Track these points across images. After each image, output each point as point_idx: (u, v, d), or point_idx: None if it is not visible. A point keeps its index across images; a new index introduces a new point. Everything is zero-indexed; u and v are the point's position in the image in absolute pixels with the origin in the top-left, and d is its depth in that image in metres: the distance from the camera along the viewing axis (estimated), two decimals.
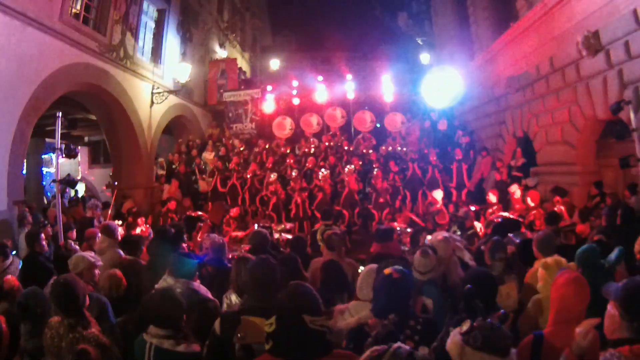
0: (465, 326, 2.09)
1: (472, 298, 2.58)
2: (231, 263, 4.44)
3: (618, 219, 5.62)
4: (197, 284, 3.83)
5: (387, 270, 2.94)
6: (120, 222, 8.74)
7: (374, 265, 3.49)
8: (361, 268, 4.11)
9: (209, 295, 3.83)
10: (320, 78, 18.23)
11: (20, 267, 5.76)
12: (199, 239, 8.00)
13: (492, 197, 10.06)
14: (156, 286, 3.77)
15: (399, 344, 1.86)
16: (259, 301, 2.80)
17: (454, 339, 2.11)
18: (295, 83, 18.59)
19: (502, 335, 2.03)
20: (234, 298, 3.80)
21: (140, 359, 2.84)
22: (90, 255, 4.15)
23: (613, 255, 3.89)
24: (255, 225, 9.61)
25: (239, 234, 9.13)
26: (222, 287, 4.15)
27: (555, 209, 8.29)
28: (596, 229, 4.51)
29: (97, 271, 4.07)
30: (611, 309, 2.27)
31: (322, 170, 12.37)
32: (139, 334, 2.97)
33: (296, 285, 2.35)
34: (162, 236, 5.46)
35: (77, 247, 6.85)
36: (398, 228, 8.23)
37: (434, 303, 3.65)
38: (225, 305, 3.84)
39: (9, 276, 4.93)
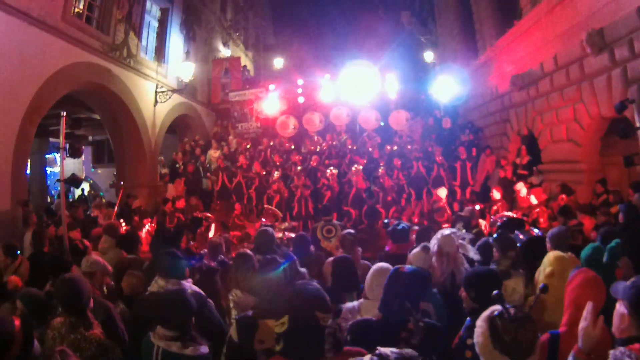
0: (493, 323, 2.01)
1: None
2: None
3: (623, 217, 5.59)
4: (188, 284, 3.79)
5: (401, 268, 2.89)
6: (123, 222, 8.74)
7: (383, 264, 3.40)
8: None
9: (202, 294, 3.77)
10: (327, 76, 18.08)
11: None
12: (209, 238, 7.96)
13: (496, 194, 10.05)
14: (148, 288, 3.73)
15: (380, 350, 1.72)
16: (272, 303, 2.78)
17: (481, 331, 2.03)
18: (300, 82, 18.51)
19: (530, 334, 1.97)
20: (238, 293, 3.77)
21: None
22: (102, 261, 4.14)
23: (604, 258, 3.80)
24: (263, 220, 9.61)
25: (237, 233, 9.07)
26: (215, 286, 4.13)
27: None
28: (607, 227, 4.48)
29: (108, 279, 4.01)
30: (620, 307, 2.26)
31: (331, 168, 12.36)
32: (140, 331, 2.93)
33: (306, 284, 2.37)
34: (161, 236, 5.48)
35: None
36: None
37: (435, 310, 3.31)
38: (230, 300, 3.80)
39: (13, 277, 4.98)
